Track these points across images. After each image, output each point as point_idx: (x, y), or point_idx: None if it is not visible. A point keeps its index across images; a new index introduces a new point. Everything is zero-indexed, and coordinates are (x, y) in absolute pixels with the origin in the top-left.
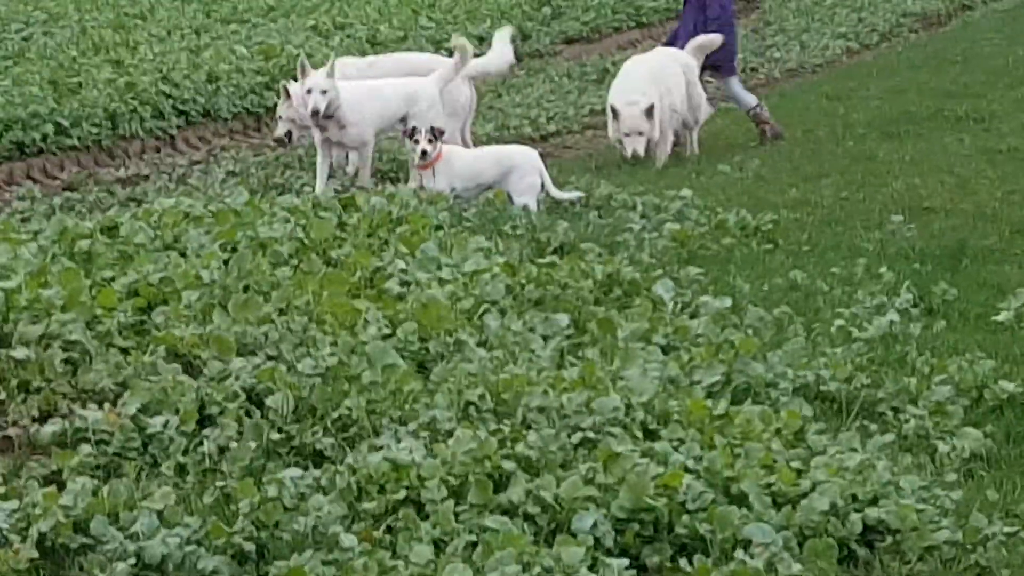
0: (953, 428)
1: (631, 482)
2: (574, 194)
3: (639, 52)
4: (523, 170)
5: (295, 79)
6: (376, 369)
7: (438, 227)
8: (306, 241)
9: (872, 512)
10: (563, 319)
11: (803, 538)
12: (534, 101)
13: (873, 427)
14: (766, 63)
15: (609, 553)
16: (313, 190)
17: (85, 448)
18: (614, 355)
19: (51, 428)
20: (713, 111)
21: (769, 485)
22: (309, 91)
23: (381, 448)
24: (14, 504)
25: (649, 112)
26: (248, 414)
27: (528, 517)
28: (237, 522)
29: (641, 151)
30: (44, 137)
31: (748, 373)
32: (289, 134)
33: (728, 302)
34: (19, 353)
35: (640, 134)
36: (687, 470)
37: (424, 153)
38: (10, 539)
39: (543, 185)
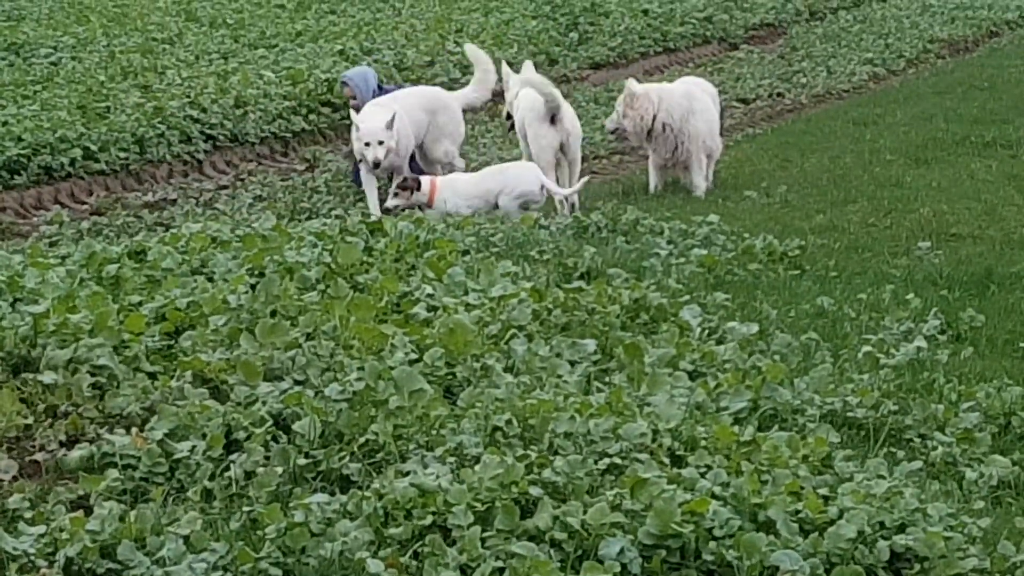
0: (981, 455)
1: (658, 508)
2: (579, 184)
3: (665, 78)
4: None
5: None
6: (403, 394)
7: (465, 252)
8: (333, 266)
9: (900, 539)
10: (590, 344)
11: (830, 565)
12: None
13: (900, 454)
14: (792, 89)
15: None
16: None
17: (112, 473)
18: (641, 381)
19: (78, 453)
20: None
21: (796, 512)
22: (367, 144)
23: (408, 473)
24: (41, 529)
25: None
26: (275, 439)
27: (555, 543)
28: (264, 547)
29: None
30: (72, 161)
31: (775, 399)
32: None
33: (755, 328)
34: (47, 377)
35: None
36: (714, 496)
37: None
38: (37, 564)
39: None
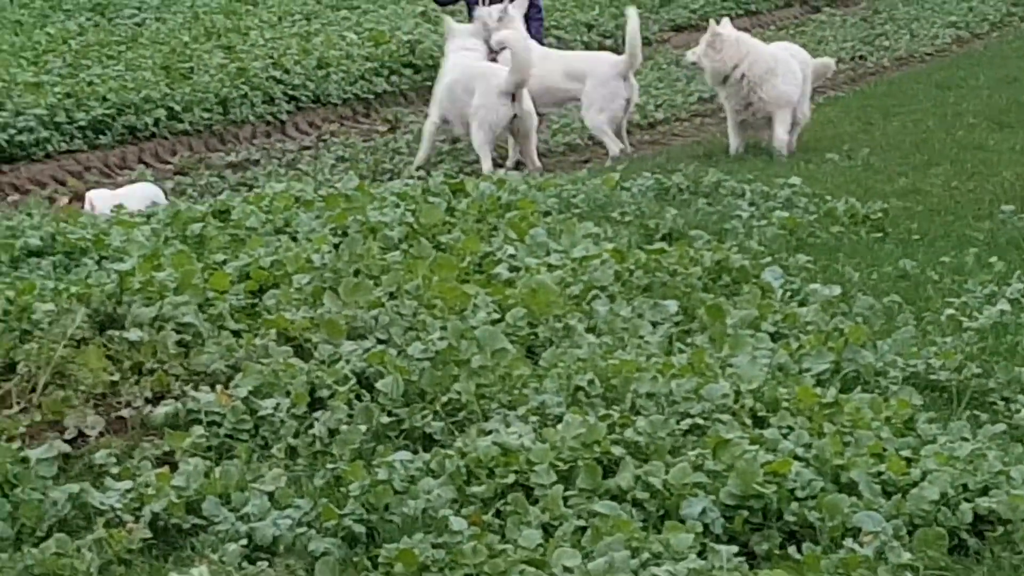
0: None
1: (740, 469)
2: None
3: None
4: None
5: None
6: (485, 354)
7: (547, 213)
8: (416, 226)
9: (983, 502)
10: (672, 305)
11: (913, 527)
12: (642, 89)
13: (983, 416)
14: (875, 51)
15: (718, 540)
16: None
17: (197, 429)
18: (723, 342)
19: (164, 409)
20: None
21: (879, 474)
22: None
23: (490, 432)
24: (128, 484)
25: None
26: (358, 397)
27: (637, 503)
28: (347, 504)
29: None
30: (156, 122)
31: (857, 361)
32: None
33: (837, 290)
34: (133, 335)
35: None
36: (796, 458)
37: None
38: (124, 519)
39: None
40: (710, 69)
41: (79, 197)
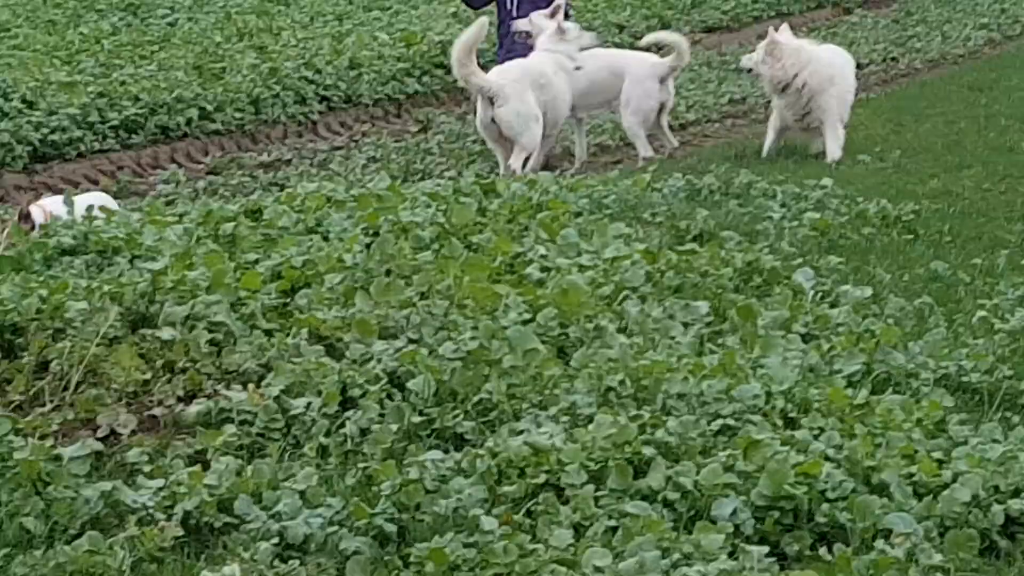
0: None
1: (771, 470)
2: None
3: None
4: None
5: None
6: (516, 354)
7: (578, 214)
8: (447, 226)
9: (1015, 504)
10: (703, 306)
11: (944, 529)
12: (674, 90)
13: (1015, 418)
14: (907, 53)
15: (749, 540)
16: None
17: (229, 428)
18: (754, 343)
19: (196, 408)
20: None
21: (910, 475)
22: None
23: (521, 432)
24: (160, 482)
25: None
26: (390, 397)
27: (668, 503)
28: (379, 504)
29: None
30: (188, 121)
31: (889, 363)
32: None
33: (868, 291)
34: (165, 334)
35: None
36: (827, 459)
37: None
38: (156, 517)
39: None
40: (769, 77)
41: (24, 217)
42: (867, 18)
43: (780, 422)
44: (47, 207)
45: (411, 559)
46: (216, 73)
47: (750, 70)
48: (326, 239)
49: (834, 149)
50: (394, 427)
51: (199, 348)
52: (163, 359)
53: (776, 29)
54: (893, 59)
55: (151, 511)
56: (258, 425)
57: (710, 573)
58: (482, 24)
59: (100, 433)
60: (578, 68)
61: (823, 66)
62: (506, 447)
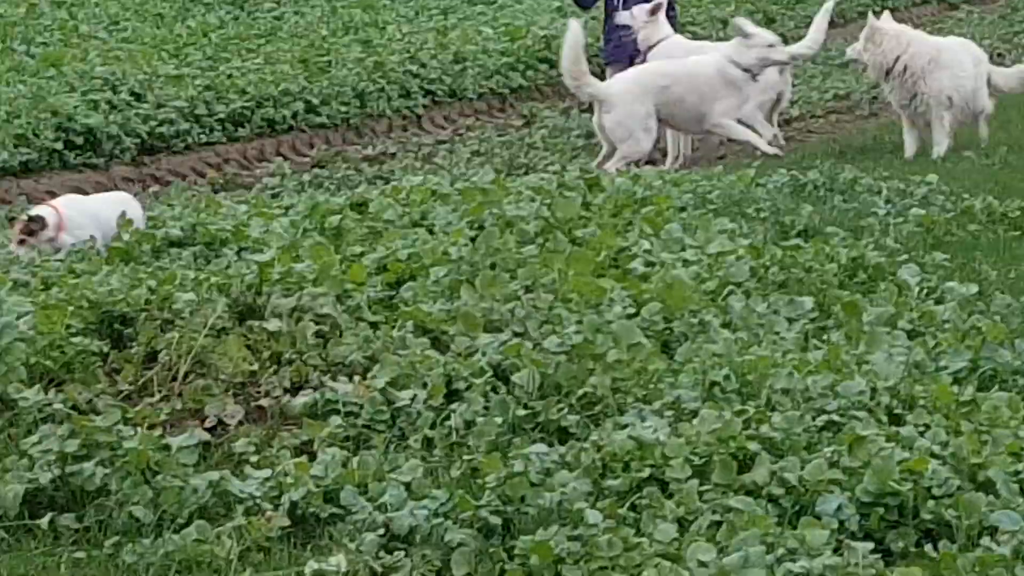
0: None
1: (876, 466)
2: None
3: None
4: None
5: None
6: (621, 348)
7: (682, 208)
8: (551, 220)
9: None
10: (807, 302)
11: None
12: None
13: None
14: (1013, 49)
15: (853, 536)
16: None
17: (335, 419)
18: (859, 339)
19: (302, 399)
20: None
21: (1016, 472)
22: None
23: (626, 426)
24: (267, 473)
25: None
26: (494, 390)
27: (772, 498)
28: (483, 496)
29: None
30: (294, 115)
31: (995, 360)
32: None
33: (974, 288)
34: (272, 325)
35: None
36: (933, 455)
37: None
38: (263, 507)
39: None
40: (871, 63)
41: (36, 218)
42: (973, 13)
43: (885, 418)
44: (60, 208)
45: (516, 551)
46: (322, 67)
47: (855, 60)
48: (431, 232)
49: (940, 141)
50: (499, 420)
51: (305, 340)
52: (270, 350)
53: (877, 16)
54: (999, 55)
55: (258, 501)
56: (364, 417)
57: (815, 569)
58: (575, 31)
59: (208, 423)
60: (755, 77)
61: (925, 48)
62: (610, 441)
